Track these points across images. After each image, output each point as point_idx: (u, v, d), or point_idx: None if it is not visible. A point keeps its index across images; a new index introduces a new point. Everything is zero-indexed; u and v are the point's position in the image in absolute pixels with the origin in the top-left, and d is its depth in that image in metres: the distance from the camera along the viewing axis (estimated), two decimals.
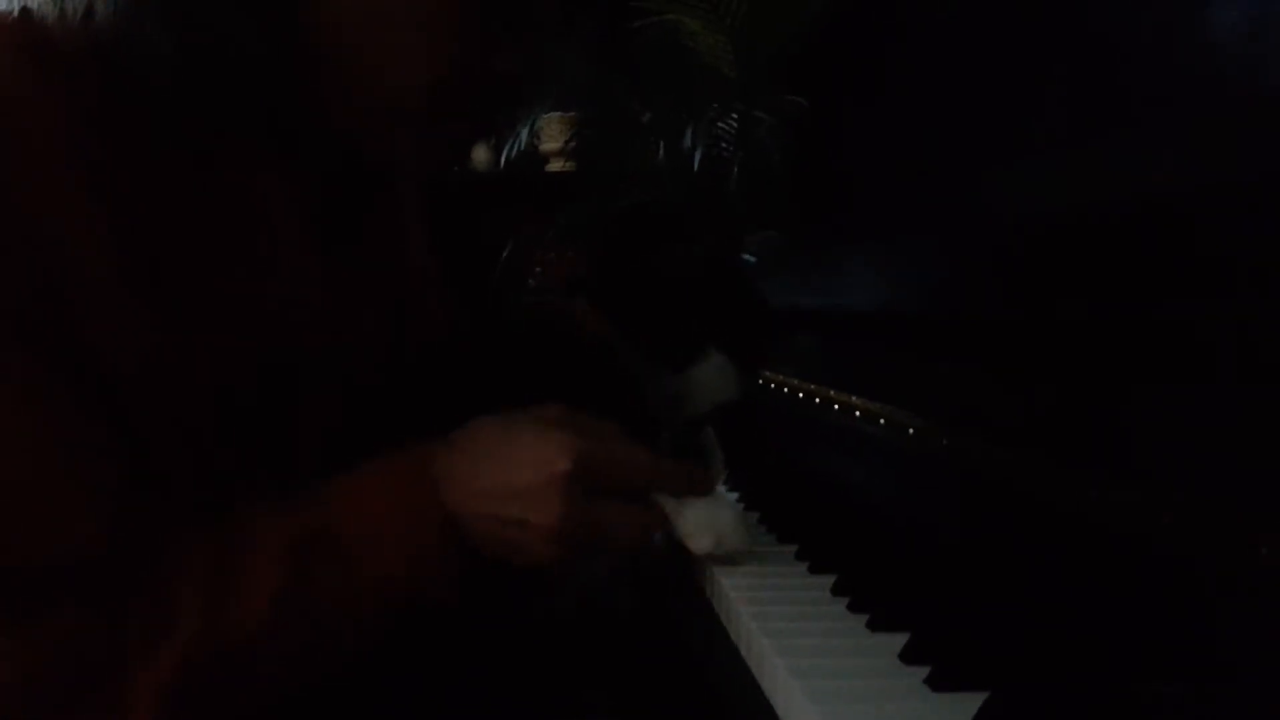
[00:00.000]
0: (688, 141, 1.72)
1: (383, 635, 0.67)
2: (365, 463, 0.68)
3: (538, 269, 2.58)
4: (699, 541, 0.72)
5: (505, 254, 2.41)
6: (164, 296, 0.62)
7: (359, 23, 0.64)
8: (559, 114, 2.54)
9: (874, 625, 0.61)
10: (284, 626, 0.62)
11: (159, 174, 0.63)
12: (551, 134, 2.62)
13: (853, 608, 0.65)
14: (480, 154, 2.80)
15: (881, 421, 0.89)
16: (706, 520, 0.72)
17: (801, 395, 1.10)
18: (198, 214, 0.65)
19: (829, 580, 0.70)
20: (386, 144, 0.70)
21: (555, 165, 2.70)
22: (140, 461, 0.61)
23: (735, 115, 1.69)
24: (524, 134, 2.43)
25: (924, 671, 0.53)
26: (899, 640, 0.57)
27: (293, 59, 0.64)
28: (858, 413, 0.94)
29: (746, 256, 0.87)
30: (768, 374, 1.19)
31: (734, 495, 1.01)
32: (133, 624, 0.59)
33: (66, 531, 0.59)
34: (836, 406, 1.00)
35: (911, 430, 0.83)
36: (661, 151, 1.85)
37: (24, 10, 0.62)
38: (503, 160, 2.56)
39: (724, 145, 1.74)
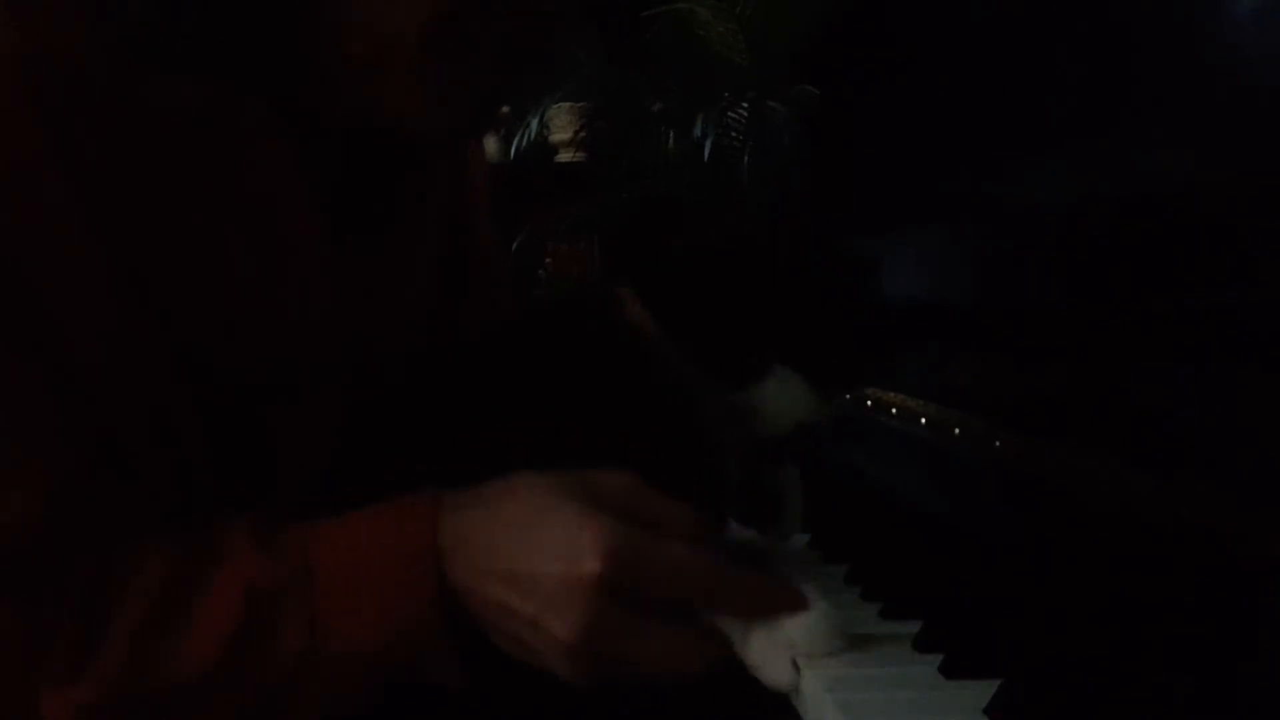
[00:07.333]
0: (699, 131, 1.72)
1: (353, 709, 0.56)
2: (367, 505, 0.57)
3: (548, 260, 2.58)
4: (774, 675, 0.54)
5: (515, 246, 2.40)
6: (140, 279, 0.57)
7: None
8: (569, 104, 2.54)
9: (887, 613, 0.61)
10: (226, 682, 0.53)
11: (145, 146, 0.57)
12: (561, 124, 2.62)
13: (866, 596, 0.65)
14: (490, 145, 2.80)
15: (893, 411, 0.89)
16: (782, 645, 0.54)
17: None
18: (190, 193, 0.59)
19: (842, 569, 0.70)
20: (396, 99, 0.61)
21: (565, 156, 2.70)
22: (104, 453, 0.56)
23: (747, 105, 1.69)
24: (534, 124, 2.42)
25: (937, 659, 0.53)
26: (912, 628, 0.57)
27: (276, 2, 0.57)
28: (869, 402, 0.94)
29: None
30: None
31: None
32: (60, 638, 0.53)
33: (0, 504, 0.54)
34: (847, 396, 1.00)
35: (924, 420, 0.83)
36: (671, 141, 1.85)
37: None
38: (512, 151, 2.55)
39: (735, 135, 1.74)
